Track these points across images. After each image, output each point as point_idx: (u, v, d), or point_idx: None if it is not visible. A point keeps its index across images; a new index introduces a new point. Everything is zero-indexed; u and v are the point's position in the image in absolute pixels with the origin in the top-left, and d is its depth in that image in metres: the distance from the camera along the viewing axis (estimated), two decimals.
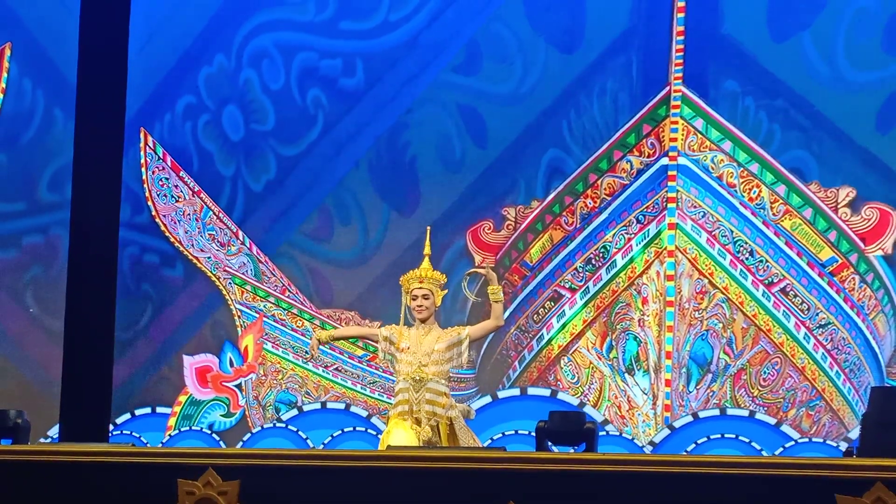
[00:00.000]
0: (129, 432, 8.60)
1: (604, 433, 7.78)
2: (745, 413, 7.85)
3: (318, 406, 8.46)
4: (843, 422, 7.86)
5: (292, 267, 8.67)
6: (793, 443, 7.75)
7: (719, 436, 7.82)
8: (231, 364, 8.66)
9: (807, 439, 7.78)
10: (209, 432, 8.57)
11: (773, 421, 7.81)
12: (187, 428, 8.60)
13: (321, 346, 6.68)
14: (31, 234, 8.97)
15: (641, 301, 8.07)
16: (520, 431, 7.94)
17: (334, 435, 8.32)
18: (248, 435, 8.52)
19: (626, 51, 8.28)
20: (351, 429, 8.31)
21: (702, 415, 7.89)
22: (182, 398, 8.67)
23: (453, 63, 8.53)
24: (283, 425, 8.47)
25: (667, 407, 7.95)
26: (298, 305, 8.63)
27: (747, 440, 7.74)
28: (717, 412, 7.88)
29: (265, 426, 8.53)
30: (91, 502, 4.81)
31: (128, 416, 8.66)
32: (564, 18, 8.40)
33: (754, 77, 8.07)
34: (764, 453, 7.68)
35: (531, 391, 8.13)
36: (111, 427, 8.47)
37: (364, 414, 8.36)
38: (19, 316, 8.89)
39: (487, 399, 8.18)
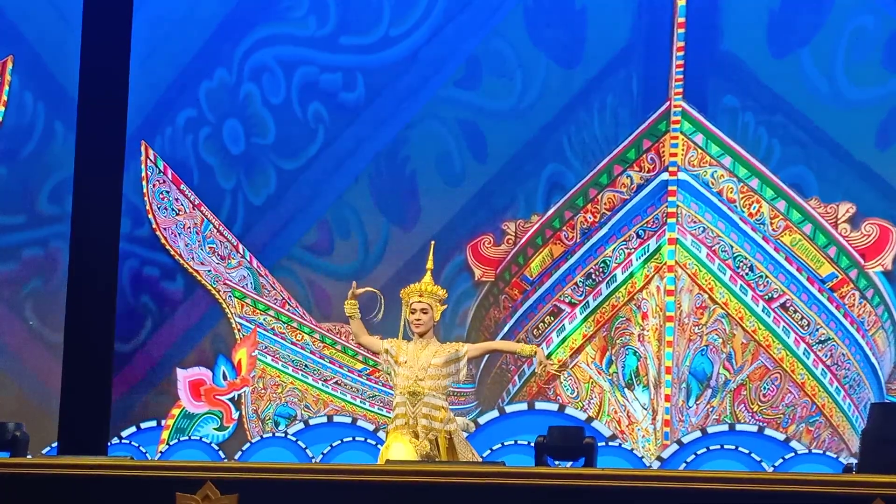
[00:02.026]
0: (127, 441, 8.59)
1: (602, 444, 7.76)
2: (754, 429, 7.83)
3: (324, 419, 8.45)
4: (842, 438, 7.85)
5: (292, 280, 8.67)
6: (792, 454, 7.73)
7: (719, 447, 7.81)
8: (224, 377, 8.65)
9: (807, 450, 7.77)
10: (208, 442, 8.56)
11: (782, 437, 7.79)
12: (186, 438, 8.60)
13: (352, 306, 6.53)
14: (30, 246, 8.97)
15: (641, 316, 8.07)
16: (519, 441, 7.92)
17: (334, 445, 8.30)
18: (248, 445, 8.51)
19: (627, 66, 8.30)
20: (350, 438, 8.29)
21: (710, 430, 7.87)
22: (175, 411, 8.66)
23: (454, 78, 8.55)
24: (283, 434, 8.47)
25: (666, 422, 7.95)
26: (298, 319, 8.63)
27: (747, 451, 7.73)
28: (725, 427, 7.86)
29: (264, 436, 8.52)
30: None
31: (133, 429, 8.64)
32: (565, 34, 8.42)
33: (754, 93, 8.09)
34: (765, 465, 7.67)
35: (539, 405, 8.12)
36: (117, 439, 8.47)
37: (371, 428, 8.33)
38: (18, 329, 8.88)
39: (495, 413, 8.17)
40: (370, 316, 6.49)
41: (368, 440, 8.28)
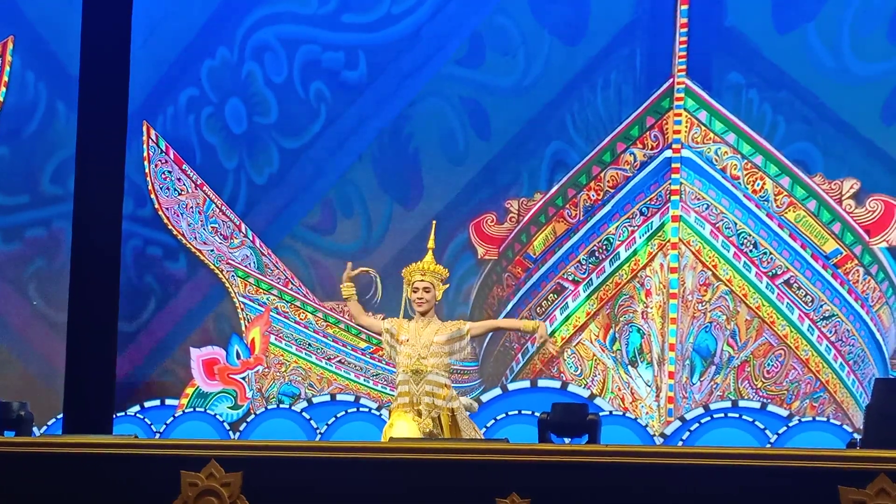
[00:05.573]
0: (132, 415, 8.61)
1: (605, 412, 7.76)
2: (757, 405, 7.83)
3: (327, 398, 8.47)
4: (847, 413, 7.85)
5: (295, 259, 8.67)
6: (797, 420, 7.73)
7: (722, 415, 7.81)
8: (238, 356, 8.67)
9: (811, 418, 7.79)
10: (213, 414, 8.58)
11: (785, 413, 7.80)
12: (192, 410, 8.63)
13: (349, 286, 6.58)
14: (34, 226, 8.98)
15: (645, 293, 8.06)
16: (523, 412, 7.93)
17: (338, 416, 8.31)
18: (252, 417, 8.54)
19: (630, 43, 8.27)
20: (355, 409, 8.31)
21: (713, 406, 7.87)
22: (189, 390, 8.68)
23: (456, 56, 8.52)
24: (287, 406, 8.49)
25: (670, 399, 7.95)
26: (301, 298, 8.63)
27: (751, 419, 7.73)
28: (728, 404, 7.86)
29: (269, 408, 8.55)
30: (94, 494, 4.81)
31: (137, 407, 8.66)
32: (568, 10, 8.39)
33: (758, 69, 8.05)
34: (768, 433, 7.67)
35: (541, 383, 8.12)
36: (122, 415, 8.50)
37: (374, 405, 8.35)
38: (22, 308, 8.90)
39: (498, 391, 8.17)
40: (368, 295, 6.49)
41: (373, 411, 8.30)
